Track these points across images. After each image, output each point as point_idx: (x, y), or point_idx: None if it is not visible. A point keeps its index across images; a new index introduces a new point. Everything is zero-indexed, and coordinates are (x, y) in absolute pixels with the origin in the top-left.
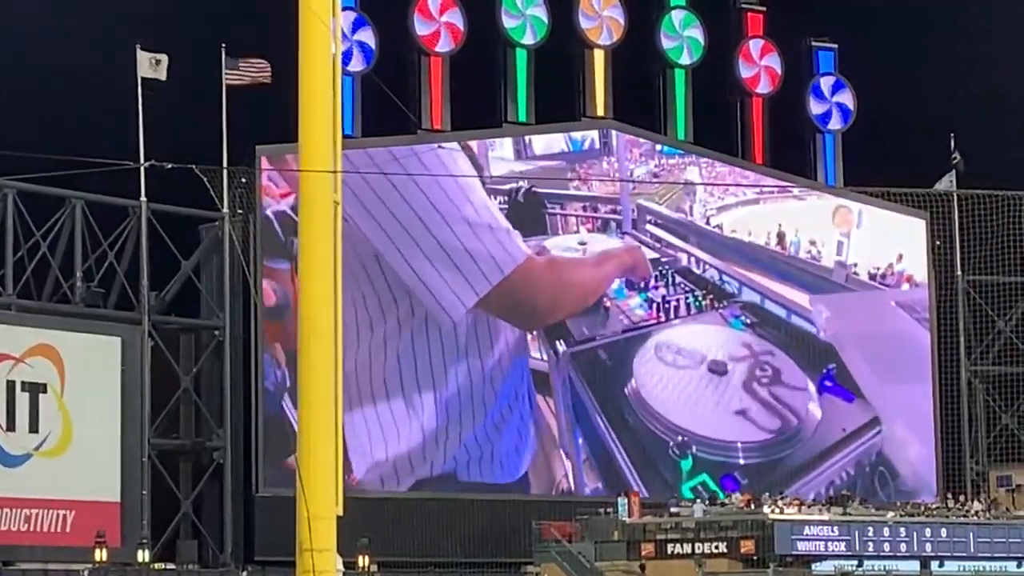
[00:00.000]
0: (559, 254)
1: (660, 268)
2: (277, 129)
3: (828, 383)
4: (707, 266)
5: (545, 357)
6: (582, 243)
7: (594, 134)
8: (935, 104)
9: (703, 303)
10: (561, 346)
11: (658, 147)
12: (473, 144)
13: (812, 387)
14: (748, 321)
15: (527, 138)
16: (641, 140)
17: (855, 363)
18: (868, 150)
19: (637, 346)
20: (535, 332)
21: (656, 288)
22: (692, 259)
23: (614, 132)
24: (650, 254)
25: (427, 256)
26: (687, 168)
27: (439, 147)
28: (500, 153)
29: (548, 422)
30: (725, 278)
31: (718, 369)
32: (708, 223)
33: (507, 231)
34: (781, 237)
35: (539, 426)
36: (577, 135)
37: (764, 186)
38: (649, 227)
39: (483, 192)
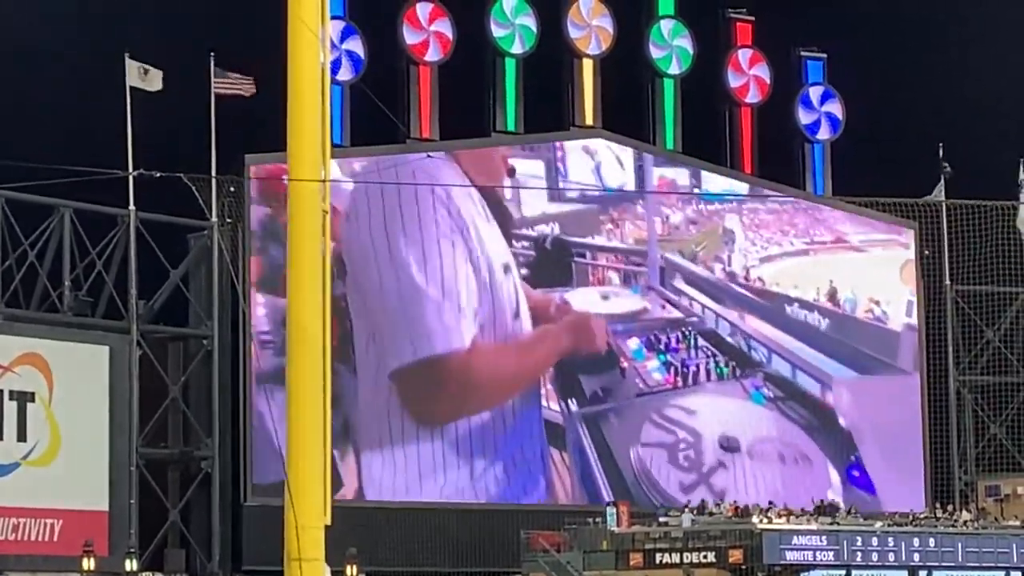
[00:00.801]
0: (503, 340)
1: (683, 329)
2: (266, 138)
3: (856, 472)
4: (735, 329)
5: (559, 409)
6: (605, 297)
7: (630, 177)
8: (924, 114)
9: (725, 371)
10: (572, 404)
11: (696, 191)
12: (507, 182)
13: (836, 477)
14: (771, 395)
15: (561, 181)
16: (679, 184)
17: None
18: (857, 160)
19: (649, 411)
20: (550, 385)
21: (677, 350)
22: (720, 320)
23: (654, 174)
24: (674, 313)
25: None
26: (727, 216)
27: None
28: (533, 193)
29: (560, 474)
30: (753, 344)
31: (729, 446)
32: (748, 275)
33: (472, 311)
34: (833, 294)
35: (548, 478)
36: (612, 179)
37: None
38: (677, 283)
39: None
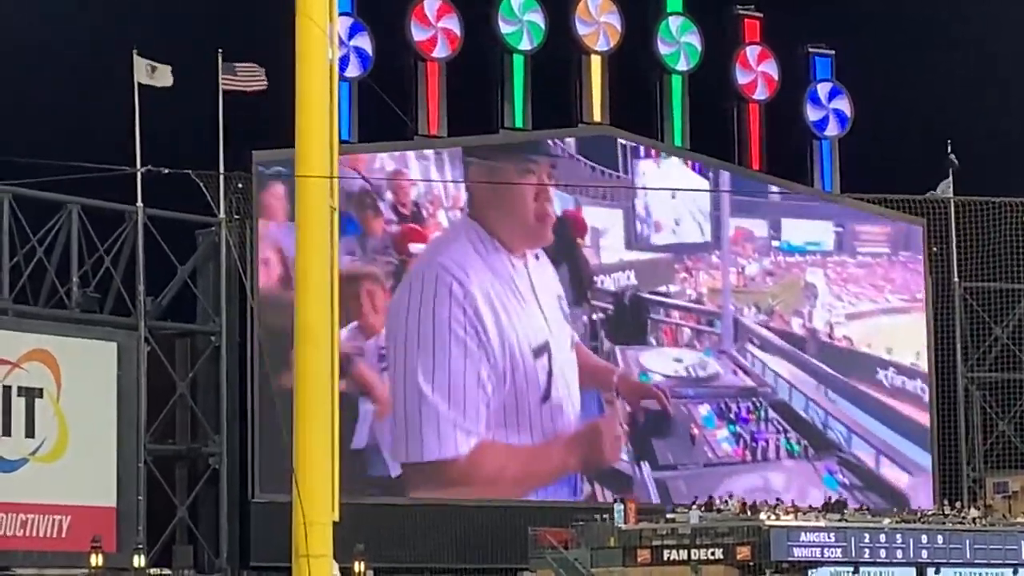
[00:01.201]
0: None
1: (755, 399)
2: (274, 135)
3: None
4: (810, 402)
5: (630, 471)
6: (678, 359)
7: (705, 225)
8: (932, 110)
9: (797, 448)
10: (645, 467)
11: (775, 243)
12: (585, 240)
13: None
14: (847, 482)
15: (640, 225)
16: (756, 235)
17: None
18: (865, 156)
19: (717, 483)
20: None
21: (747, 421)
22: (793, 391)
23: (731, 225)
24: (746, 381)
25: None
26: (808, 268)
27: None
28: (610, 240)
29: None
30: (832, 422)
31: None
32: (832, 333)
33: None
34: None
35: None
36: (689, 230)
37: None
38: (751, 346)
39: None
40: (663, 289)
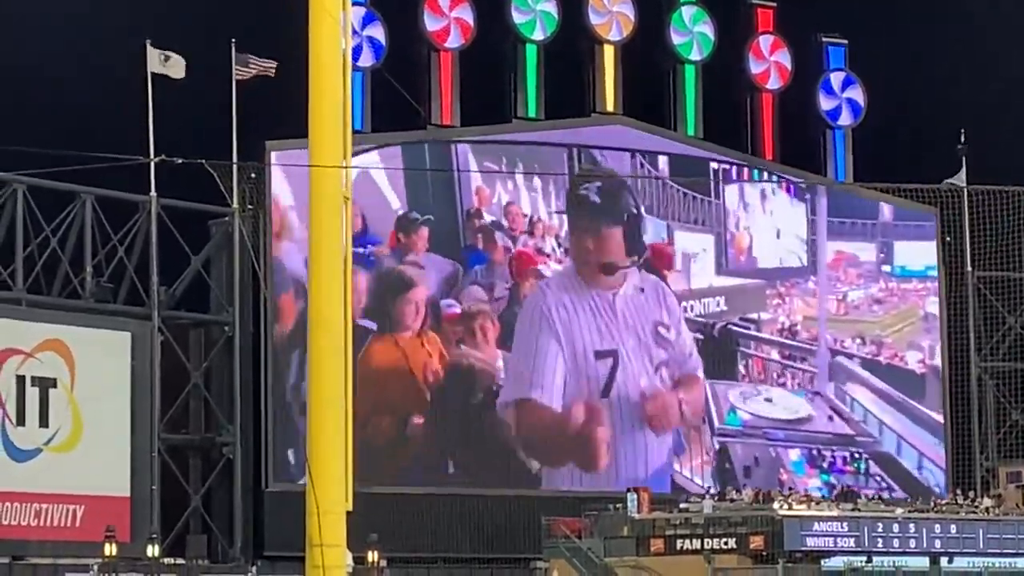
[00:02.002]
0: None
1: (853, 449)
2: (287, 124)
3: None
4: (925, 460)
5: None
6: (768, 399)
7: (800, 249)
8: (945, 100)
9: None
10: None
11: (885, 267)
12: (673, 276)
13: None
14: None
15: (731, 250)
16: (862, 259)
17: None
18: (878, 146)
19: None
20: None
21: (843, 472)
22: (903, 444)
23: (828, 249)
24: (843, 428)
25: None
26: (929, 297)
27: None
28: (702, 264)
29: None
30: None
31: None
32: None
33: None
34: None
35: None
36: (783, 254)
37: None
38: (851, 387)
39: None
40: (754, 316)
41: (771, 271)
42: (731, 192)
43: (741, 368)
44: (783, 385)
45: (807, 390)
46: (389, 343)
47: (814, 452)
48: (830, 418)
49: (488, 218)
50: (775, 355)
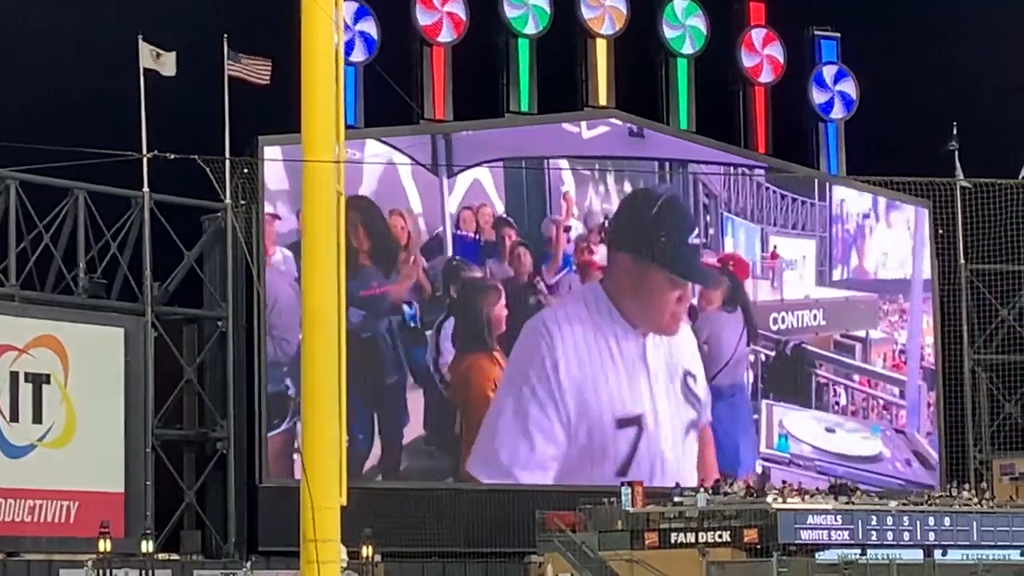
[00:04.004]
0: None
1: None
2: (279, 119)
3: None
4: None
5: None
6: (830, 430)
7: (904, 265)
8: (937, 93)
9: None
10: None
11: None
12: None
13: None
14: None
15: (834, 259)
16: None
17: None
18: (870, 139)
19: None
20: None
21: None
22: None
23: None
24: (921, 476)
25: None
26: None
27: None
28: (800, 271)
29: None
30: None
31: None
32: None
33: None
34: None
35: None
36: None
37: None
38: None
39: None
40: (860, 334)
41: (882, 283)
42: (835, 195)
43: (812, 393)
44: (856, 416)
45: (888, 426)
46: None
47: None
48: (907, 462)
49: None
50: (857, 383)
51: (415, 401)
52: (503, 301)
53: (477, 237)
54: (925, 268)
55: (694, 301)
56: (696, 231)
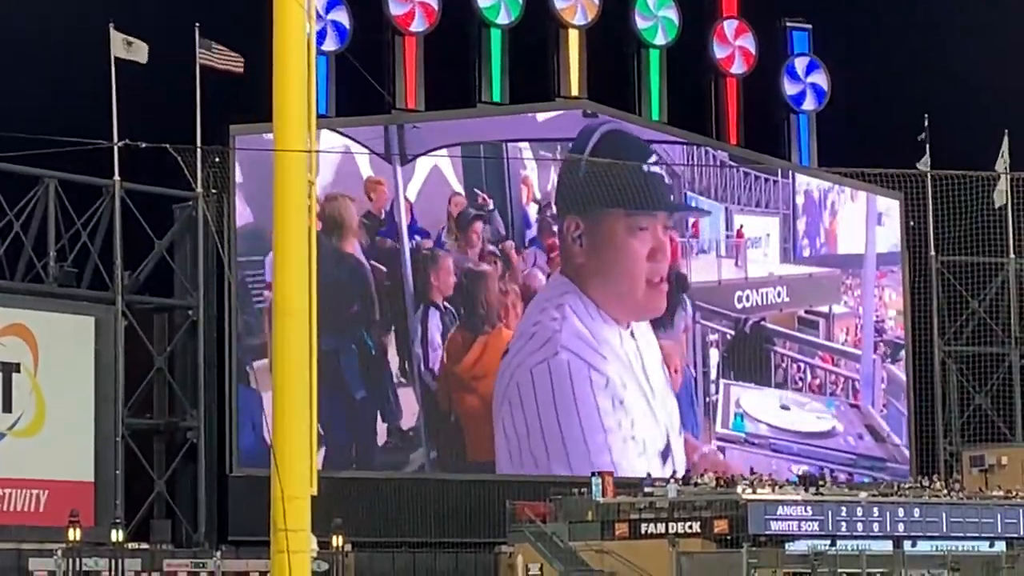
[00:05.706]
0: None
1: (877, 474)
2: (250, 109)
3: None
4: None
5: None
6: (785, 407)
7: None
8: (909, 85)
9: None
10: None
11: None
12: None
13: None
14: None
15: (800, 235)
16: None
17: None
18: (842, 130)
19: None
20: None
21: None
22: None
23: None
24: (871, 449)
25: None
26: None
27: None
28: (764, 249)
29: None
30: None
31: None
32: None
33: None
34: None
35: None
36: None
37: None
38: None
39: None
40: (824, 309)
41: (844, 257)
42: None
43: (771, 370)
44: (816, 392)
45: (843, 401)
46: None
47: (824, 471)
48: (860, 436)
49: None
50: (819, 357)
51: (384, 390)
52: (481, 286)
53: (440, 227)
54: (881, 243)
55: (676, 237)
56: (654, 157)
